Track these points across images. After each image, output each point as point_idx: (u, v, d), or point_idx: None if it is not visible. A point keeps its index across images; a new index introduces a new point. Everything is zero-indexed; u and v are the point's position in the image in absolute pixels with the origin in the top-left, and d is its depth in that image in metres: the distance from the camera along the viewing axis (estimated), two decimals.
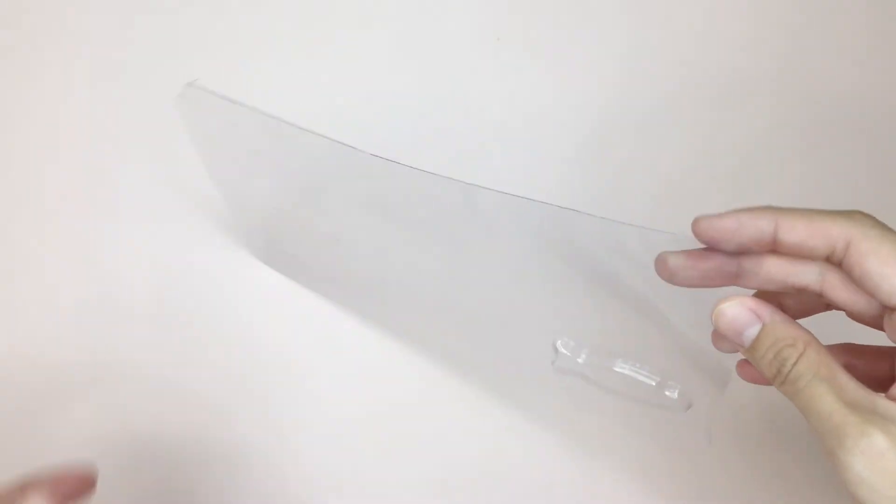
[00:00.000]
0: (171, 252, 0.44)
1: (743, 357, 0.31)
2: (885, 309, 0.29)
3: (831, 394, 0.27)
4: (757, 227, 0.29)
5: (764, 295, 0.32)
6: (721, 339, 0.31)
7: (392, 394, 0.41)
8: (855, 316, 0.30)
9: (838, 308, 0.30)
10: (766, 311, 0.30)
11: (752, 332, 0.30)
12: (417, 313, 0.41)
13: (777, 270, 0.30)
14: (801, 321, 0.30)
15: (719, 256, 0.30)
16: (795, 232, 0.29)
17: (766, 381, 0.31)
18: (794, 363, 0.28)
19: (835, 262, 0.29)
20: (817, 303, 0.32)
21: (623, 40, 0.52)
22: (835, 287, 0.30)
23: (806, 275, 0.30)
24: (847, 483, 0.27)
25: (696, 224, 0.30)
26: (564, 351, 0.37)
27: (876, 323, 0.30)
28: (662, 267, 0.31)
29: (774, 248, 0.30)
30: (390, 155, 0.32)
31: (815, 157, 0.48)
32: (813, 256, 0.29)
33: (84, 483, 0.31)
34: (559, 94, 0.49)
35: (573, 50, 0.51)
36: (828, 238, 0.29)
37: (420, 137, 0.47)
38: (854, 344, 0.33)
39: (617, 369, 0.37)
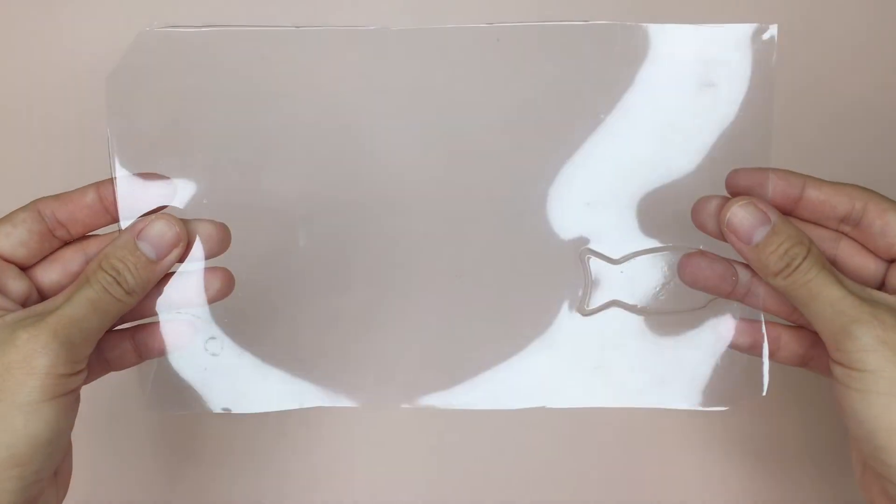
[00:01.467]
0: None
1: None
2: (891, 265, 0.34)
3: (838, 283, 0.32)
4: (788, 182, 0.35)
5: None
6: (731, 235, 0.34)
7: None
8: (859, 281, 0.34)
9: (847, 274, 0.35)
10: (774, 212, 0.34)
11: (763, 230, 0.33)
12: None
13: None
14: None
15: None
16: (822, 190, 0.34)
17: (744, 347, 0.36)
18: (805, 258, 0.33)
19: (852, 220, 0.34)
20: None
21: None
22: (850, 253, 0.35)
23: (824, 242, 0.35)
24: (858, 352, 0.31)
25: (733, 174, 0.35)
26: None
27: (877, 285, 0.35)
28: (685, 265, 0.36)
29: (799, 205, 0.35)
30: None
31: None
32: (835, 213, 0.34)
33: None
34: None
35: None
36: (849, 196, 0.34)
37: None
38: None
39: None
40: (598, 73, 0.36)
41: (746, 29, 0.36)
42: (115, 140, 0.36)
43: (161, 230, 0.34)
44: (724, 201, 0.34)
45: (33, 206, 0.34)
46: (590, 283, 0.37)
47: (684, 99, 0.36)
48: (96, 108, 0.35)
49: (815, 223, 0.35)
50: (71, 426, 0.33)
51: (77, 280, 0.33)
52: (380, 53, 0.36)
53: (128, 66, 0.36)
